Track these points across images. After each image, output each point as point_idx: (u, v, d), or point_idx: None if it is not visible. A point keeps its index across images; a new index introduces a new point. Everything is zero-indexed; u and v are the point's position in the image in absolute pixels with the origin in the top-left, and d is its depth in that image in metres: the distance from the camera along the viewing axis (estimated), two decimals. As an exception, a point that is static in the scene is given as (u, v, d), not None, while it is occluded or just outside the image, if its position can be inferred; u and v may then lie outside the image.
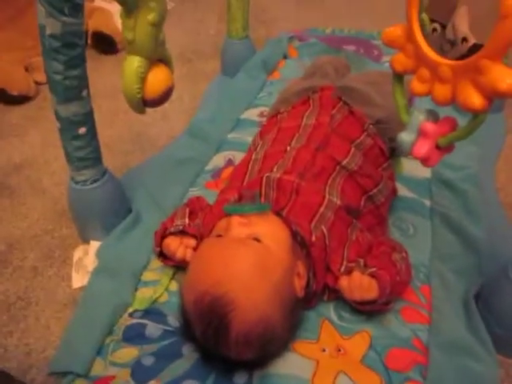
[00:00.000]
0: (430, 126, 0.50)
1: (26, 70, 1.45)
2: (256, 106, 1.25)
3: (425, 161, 0.52)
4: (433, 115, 0.51)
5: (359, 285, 0.64)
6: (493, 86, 0.40)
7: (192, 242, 0.74)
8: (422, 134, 0.51)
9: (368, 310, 0.67)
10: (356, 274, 0.65)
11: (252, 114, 1.21)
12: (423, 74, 0.48)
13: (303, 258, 0.68)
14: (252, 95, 1.29)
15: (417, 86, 0.49)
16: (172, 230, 0.75)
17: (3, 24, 1.46)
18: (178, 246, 0.74)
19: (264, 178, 0.75)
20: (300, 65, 1.40)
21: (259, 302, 0.58)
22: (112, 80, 1.49)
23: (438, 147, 0.51)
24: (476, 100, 0.42)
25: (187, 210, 0.80)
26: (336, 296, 0.70)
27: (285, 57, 1.49)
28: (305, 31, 1.64)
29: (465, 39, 0.46)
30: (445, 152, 0.52)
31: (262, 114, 1.19)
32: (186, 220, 0.77)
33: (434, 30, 0.47)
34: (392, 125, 0.87)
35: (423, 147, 0.50)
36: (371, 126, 0.87)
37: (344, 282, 0.66)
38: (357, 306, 0.67)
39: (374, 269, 0.65)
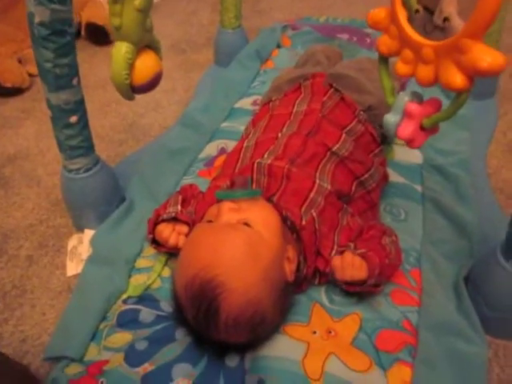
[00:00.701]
0: (414, 107, 0.50)
1: (20, 62, 1.45)
2: (249, 95, 1.25)
3: (410, 142, 0.52)
4: (417, 96, 0.52)
5: (351, 264, 0.65)
6: (474, 65, 0.41)
7: (184, 228, 0.75)
8: (406, 115, 0.51)
9: (357, 292, 0.68)
10: (348, 254, 0.66)
11: (245, 103, 1.21)
12: (407, 55, 0.48)
13: (293, 242, 0.69)
14: (245, 84, 1.29)
15: (401, 67, 0.50)
16: (165, 216, 0.76)
17: (-4, 16, 1.47)
18: (170, 233, 0.74)
19: (255, 165, 0.76)
20: (293, 54, 1.40)
21: (248, 285, 0.58)
22: (105, 71, 1.49)
23: (422, 128, 0.51)
24: (458, 79, 0.43)
25: (180, 198, 0.80)
26: (327, 280, 0.71)
27: (278, 46, 1.49)
28: (299, 20, 1.64)
29: (447, 19, 0.46)
30: (429, 133, 0.52)
31: (255, 103, 1.20)
32: (179, 207, 0.78)
33: (417, 11, 0.47)
34: (383, 111, 0.85)
35: (408, 128, 0.51)
36: (362, 113, 0.88)
37: (337, 261, 0.66)
38: (346, 288, 0.68)
39: (364, 250, 0.66)
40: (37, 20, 0.64)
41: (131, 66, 0.68)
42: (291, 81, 0.99)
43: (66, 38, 0.68)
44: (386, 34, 0.51)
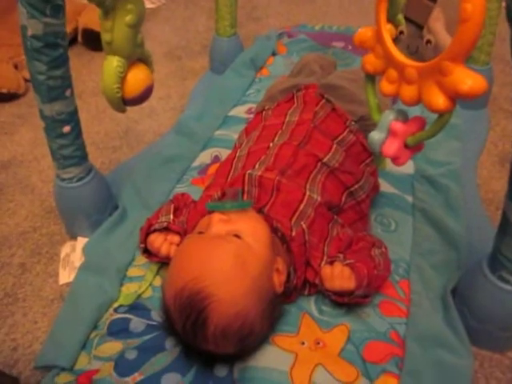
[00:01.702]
0: (398, 126, 0.51)
1: (16, 67, 1.45)
2: (244, 102, 1.26)
3: (394, 159, 0.53)
4: (402, 115, 0.53)
5: (341, 273, 0.66)
6: (455, 88, 0.42)
7: (176, 238, 0.76)
8: (391, 133, 0.52)
9: (346, 302, 0.69)
10: (338, 264, 0.68)
11: (240, 111, 1.22)
12: (391, 74, 0.49)
13: (283, 253, 0.70)
14: (240, 92, 1.30)
15: (385, 86, 0.50)
16: (157, 226, 0.76)
17: (-9, 22, 1.47)
18: (162, 243, 0.75)
19: (246, 176, 0.76)
20: (288, 61, 1.41)
21: (237, 296, 0.59)
22: (101, 77, 1.50)
23: (406, 146, 0.52)
24: (440, 101, 0.44)
25: (172, 207, 0.81)
26: (316, 290, 0.72)
27: (274, 53, 1.50)
28: (294, 28, 1.65)
29: (429, 41, 0.47)
30: (414, 151, 0.53)
31: (249, 111, 1.20)
32: (171, 217, 0.79)
33: (401, 32, 0.48)
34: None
35: (392, 146, 0.52)
36: (353, 123, 0.88)
37: (327, 270, 0.68)
38: (335, 298, 0.69)
39: (352, 261, 0.67)
40: (30, 33, 0.65)
41: (122, 80, 0.69)
42: (285, 90, 1.00)
43: (59, 51, 0.68)
44: (372, 52, 0.52)
